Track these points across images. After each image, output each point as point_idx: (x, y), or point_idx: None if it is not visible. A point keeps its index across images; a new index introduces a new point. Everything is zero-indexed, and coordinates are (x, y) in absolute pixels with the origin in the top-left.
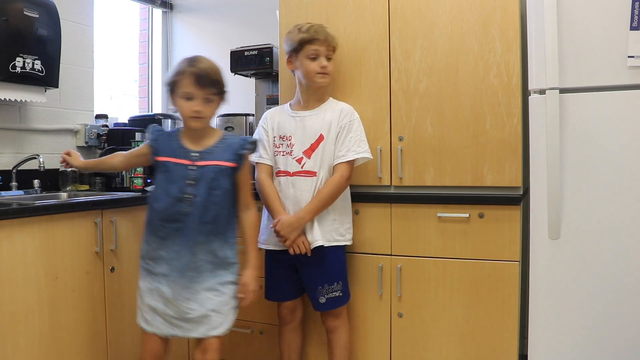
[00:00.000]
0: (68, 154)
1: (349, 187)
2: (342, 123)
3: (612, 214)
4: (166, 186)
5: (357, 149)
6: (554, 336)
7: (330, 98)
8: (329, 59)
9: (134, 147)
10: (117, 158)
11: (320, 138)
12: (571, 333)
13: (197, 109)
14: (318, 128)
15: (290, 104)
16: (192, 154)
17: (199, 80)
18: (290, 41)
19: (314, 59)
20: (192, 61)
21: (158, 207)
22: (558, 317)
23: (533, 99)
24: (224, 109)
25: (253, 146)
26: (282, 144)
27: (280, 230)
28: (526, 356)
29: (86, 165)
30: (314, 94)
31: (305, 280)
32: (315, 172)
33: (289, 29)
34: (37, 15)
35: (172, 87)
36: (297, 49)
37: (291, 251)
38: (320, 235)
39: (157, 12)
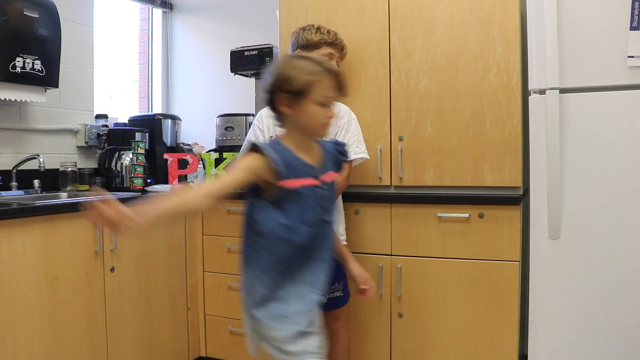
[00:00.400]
0: (111, 206)
1: None
2: (340, 123)
3: (612, 214)
4: (301, 214)
5: (356, 149)
6: (554, 336)
7: None
8: (337, 64)
9: (133, 147)
10: (201, 200)
11: None
12: (571, 333)
13: (332, 115)
14: None
15: None
16: (316, 170)
17: (341, 84)
18: (305, 38)
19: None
20: (320, 61)
21: (298, 240)
22: (558, 317)
23: (533, 99)
24: (224, 109)
25: (346, 149)
26: None
27: None
28: (526, 356)
29: (152, 219)
30: None
31: None
32: None
33: (303, 25)
34: (37, 15)
35: (305, 90)
36: (312, 46)
37: None
38: None
39: (157, 12)
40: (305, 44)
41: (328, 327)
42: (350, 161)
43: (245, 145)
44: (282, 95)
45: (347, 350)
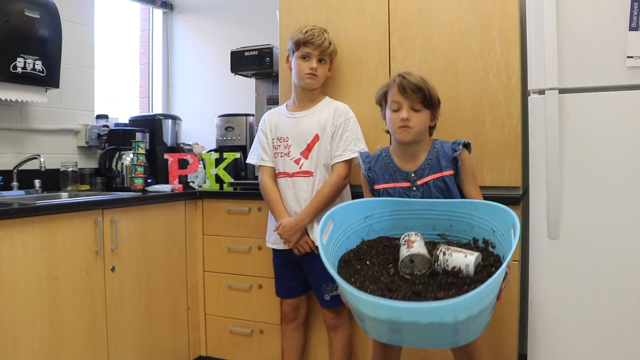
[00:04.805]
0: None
1: (349, 186)
2: (338, 122)
3: (612, 214)
4: None
5: (354, 147)
6: (553, 336)
7: (327, 97)
8: (322, 62)
9: (134, 147)
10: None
11: (316, 138)
12: (571, 333)
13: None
14: (314, 128)
15: (286, 105)
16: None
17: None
18: (290, 40)
19: (305, 59)
20: None
21: None
22: (557, 316)
23: (532, 99)
24: (224, 109)
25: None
26: (279, 145)
27: (282, 234)
28: (525, 356)
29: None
30: (307, 95)
31: (310, 278)
32: (312, 172)
33: (294, 29)
34: (38, 16)
35: None
36: (293, 49)
37: (296, 252)
38: None
39: (158, 13)
40: (290, 48)
41: (328, 323)
42: (347, 160)
43: (255, 147)
44: None
45: (348, 348)
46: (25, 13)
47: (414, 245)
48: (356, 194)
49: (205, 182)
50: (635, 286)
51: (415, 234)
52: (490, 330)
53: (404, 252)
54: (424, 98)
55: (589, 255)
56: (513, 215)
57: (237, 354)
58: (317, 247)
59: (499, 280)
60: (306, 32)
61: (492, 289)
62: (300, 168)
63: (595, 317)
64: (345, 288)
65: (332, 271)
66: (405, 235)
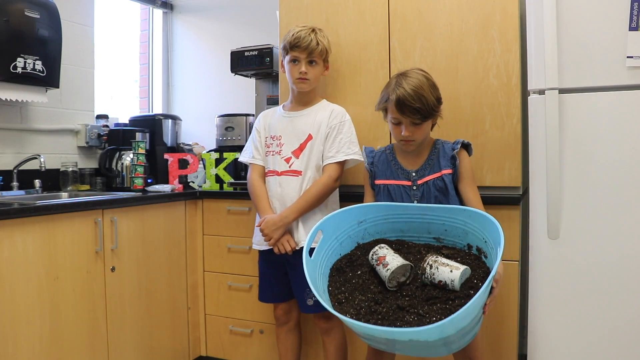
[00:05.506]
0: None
1: (337, 191)
2: (332, 124)
3: (612, 214)
4: None
5: (347, 150)
6: (553, 336)
7: (324, 100)
8: (312, 63)
9: (134, 147)
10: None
11: (309, 138)
12: (570, 333)
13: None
14: (307, 128)
15: (284, 105)
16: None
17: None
18: (281, 44)
19: (295, 63)
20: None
21: None
22: (557, 316)
23: (532, 99)
24: (224, 109)
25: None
26: (272, 144)
27: (264, 229)
28: (526, 356)
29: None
30: (303, 97)
31: (292, 282)
32: (301, 172)
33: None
34: (38, 16)
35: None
36: (283, 54)
37: (276, 250)
38: (305, 236)
39: (158, 13)
40: (282, 52)
41: (320, 327)
42: (339, 162)
43: (248, 145)
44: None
45: (342, 351)
46: (25, 13)
47: (388, 261)
48: (348, 194)
49: (205, 182)
50: (636, 286)
51: (380, 247)
52: (490, 330)
53: (384, 273)
54: (423, 114)
55: (589, 255)
56: (500, 233)
57: (237, 354)
58: (299, 250)
59: (480, 301)
60: (292, 35)
61: (470, 311)
62: (289, 167)
63: (595, 317)
64: (328, 310)
65: (315, 292)
66: (373, 254)
